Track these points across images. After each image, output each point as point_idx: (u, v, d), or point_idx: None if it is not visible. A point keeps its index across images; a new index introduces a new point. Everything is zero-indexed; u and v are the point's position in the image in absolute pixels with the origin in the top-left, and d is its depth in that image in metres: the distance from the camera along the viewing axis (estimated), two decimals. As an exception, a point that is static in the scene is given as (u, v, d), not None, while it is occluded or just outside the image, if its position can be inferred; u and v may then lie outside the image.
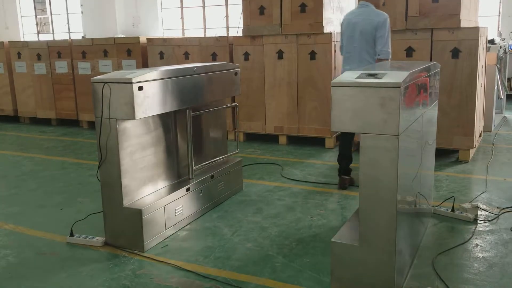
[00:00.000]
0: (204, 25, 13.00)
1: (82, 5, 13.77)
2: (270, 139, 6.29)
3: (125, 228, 3.29)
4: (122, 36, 11.13)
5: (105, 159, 3.21)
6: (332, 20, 6.10)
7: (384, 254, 2.50)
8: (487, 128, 6.50)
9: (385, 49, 4.21)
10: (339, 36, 6.03)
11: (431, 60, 5.13)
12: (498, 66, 6.99)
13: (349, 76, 2.54)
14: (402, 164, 2.48)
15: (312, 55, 5.90)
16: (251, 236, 3.46)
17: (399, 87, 2.31)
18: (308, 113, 6.00)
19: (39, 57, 8.03)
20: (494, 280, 2.77)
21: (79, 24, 14.20)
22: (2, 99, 8.59)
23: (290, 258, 3.10)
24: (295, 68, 6.02)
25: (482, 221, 3.58)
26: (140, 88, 3.05)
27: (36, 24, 15.31)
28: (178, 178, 3.87)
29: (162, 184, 3.69)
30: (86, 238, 3.40)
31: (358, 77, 2.47)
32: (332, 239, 2.67)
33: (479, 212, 3.70)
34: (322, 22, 5.81)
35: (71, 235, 3.44)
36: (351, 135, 4.42)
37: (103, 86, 3.08)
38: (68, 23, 14.75)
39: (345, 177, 4.45)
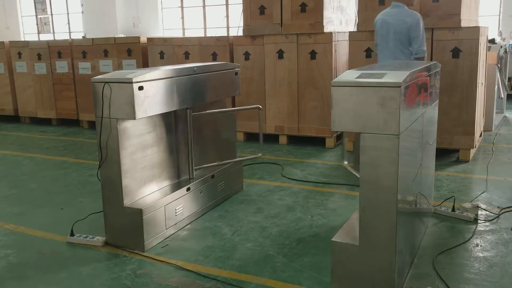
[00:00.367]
0: (205, 25, 13.01)
1: (82, 5, 13.79)
2: (270, 138, 6.29)
3: (125, 228, 3.29)
4: (123, 36, 11.14)
5: (105, 159, 3.21)
6: (333, 20, 6.10)
7: (384, 254, 2.50)
8: (487, 127, 6.50)
9: (421, 48, 4.39)
10: (341, 36, 6.06)
11: (431, 60, 5.13)
12: (499, 65, 6.99)
13: (350, 75, 2.54)
14: (403, 164, 2.48)
15: (313, 54, 5.90)
16: (252, 235, 3.46)
17: (400, 86, 2.31)
18: (309, 113, 6.00)
19: (39, 57, 8.03)
20: (494, 280, 2.77)
21: (79, 24, 14.21)
22: (3, 99, 8.59)
23: (290, 257, 3.10)
24: (295, 68, 6.02)
25: (482, 221, 3.58)
26: (141, 88, 3.05)
27: (37, 24, 15.33)
28: (178, 177, 3.87)
29: (162, 184, 3.69)
30: (86, 237, 3.40)
31: (358, 77, 2.47)
32: (332, 239, 2.67)
33: (479, 212, 3.70)
34: (322, 22, 5.81)
35: (72, 234, 3.44)
36: None
37: (104, 86, 3.08)
38: (69, 23, 14.76)
39: None
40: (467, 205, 3.68)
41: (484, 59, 5.63)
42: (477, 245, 3.22)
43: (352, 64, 5.57)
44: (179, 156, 3.87)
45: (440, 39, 5.11)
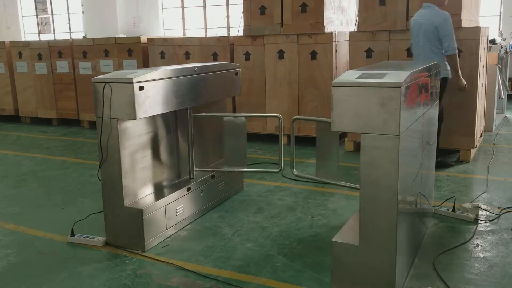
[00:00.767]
0: (205, 25, 13.01)
1: (83, 5, 13.79)
2: (270, 139, 6.29)
3: (126, 228, 3.29)
4: (123, 36, 11.15)
5: (106, 159, 3.21)
6: (333, 20, 6.10)
7: (384, 254, 2.50)
8: (488, 128, 6.50)
9: (451, 45, 4.58)
10: (340, 36, 6.07)
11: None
12: (499, 66, 6.99)
13: (350, 76, 2.54)
14: (403, 164, 2.48)
15: (313, 55, 5.90)
16: (252, 236, 3.46)
17: (400, 87, 2.31)
18: (309, 113, 6.00)
19: (40, 57, 8.04)
20: (495, 280, 2.77)
21: (80, 24, 14.22)
22: (3, 98, 8.60)
23: (290, 258, 3.11)
24: (295, 68, 6.02)
25: (483, 221, 3.58)
26: (141, 88, 3.05)
27: (37, 24, 15.33)
28: (179, 178, 3.87)
29: (163, 184, 3.69)
30: (87, 238, 3.40)
31: (358, 77, 2.47)
32: (332, 239, 2.67)
33: (480, 212, 3.70)
34: (323, 22, 5.81)
35: (72, 234, 3.44)
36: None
37: (104, 86, 3.08)
38: (69, 23, 14.77)
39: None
40: (468, 205, 3.68)
41: (484, 59, 5.63)
42: (477, 245, 3.22)
43: (353, 64, 5.58)
44: (179, 156, 3.87)
45: (441, 39, 5.10)
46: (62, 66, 7.87)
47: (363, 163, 2.47)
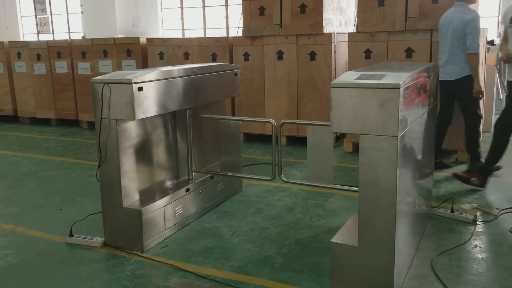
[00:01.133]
0: (204, 25, 13.01)
1: (82, 5, 13.78)
2: (270, 139, 6.26)
3: (124, 229, 3.29)
4: (122, 36, 11.13)
5: (104, 159, 3.21)
6: (332, 21, 6.11)
7: (383, 255, 2.50)
8: (486, 129, 6.50)
9: (474, 44, 4.52)
10: (339, 37, 6.07)
11: (430, 61, 5.14)
12: (498, 67, 6.99)
13: (349, 77, 2.55)
14: (402, 165, 2.48)
15: (312, 55, 5.90)
16: (251, 236, 3.46)
17: (399, 88, 2.31)
18: (308, 114, 6.01)
19: (39, 57, 8.03)
20: (493, 281, 2.77)
21: (79, 24, 14.20)
22: (2, 99, 8.59)
23: (289, 258, 3.11)
24: (295, 69, 6.03)
25: (481, 222, 3.58)
26: (140, 89, 3.05)
27: (36, 24, 15.32)
28: (178, 178, 3.87)
29: (162, 185, 3.69)
30: (85, 238, 3.40)
31: (357, 78, 2.48)
32: (331, 240, 2.67)
33: (478, 213, 3.70)
34: (322, 23, 5.81)
35: (71, 235, 3.44)
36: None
37: (103, 87, 3.08)
38: (68, 23, 14.75)
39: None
40: (466, 206, 3.69)
41: (483, 60, 5.62)
42: (476, 246, 3.22)
43: (352, 65, 5.58)
44: (178, 157, 3.87)
45: (440, 40, 5.12)
46: (61, 66, 7.87)
47: (362, 164, 2.47)
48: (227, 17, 12.50)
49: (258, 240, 3.40)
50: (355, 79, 2.46)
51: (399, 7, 5.33)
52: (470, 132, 4.79)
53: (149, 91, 3.14)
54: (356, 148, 5.71)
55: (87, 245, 3.35)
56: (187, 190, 3.72)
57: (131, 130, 3.32)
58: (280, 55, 6.09)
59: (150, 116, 3.33)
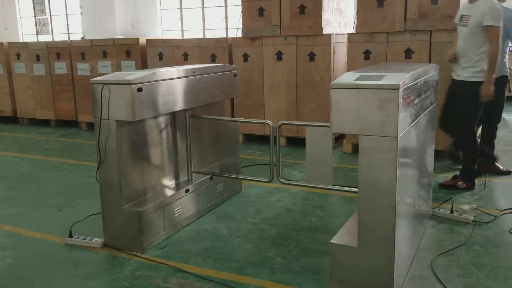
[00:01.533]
0: (204, 26, 13.02)
1: (81, 6, 13.78)
2: (269, 140, 6.27)
3: (124, 230, 3.28)
4: (121, 37, 11.14)
5: (104, 160, 3.21)
6: (331, 22, 6.11)
7: (383, 256, 2.50)
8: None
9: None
10: (338, 38, 6.07)
11: (430, 62, 5.14)
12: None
13: (348, 77, 2.55)
14: (401, 166, 2.48)
15: (311, 56, 5.91)
16: (250, 237, 3.46)
17: (398, 88, 2.32)
18: (307, 114, 6.01)
19: (38, 58, 8.03)
20: (493, 282, 2.77)
21: (78, 25, 14.20)
22: (1, 100, 8.58)
23: (289, 259, 3.10)
24: (294, 69, 6.03)
25: (481, 223, 3.58)
26: (140, 90, 3.05)
27: (36, 25, 15.32)
28: (177, 179, 3.87)
29: (161, 186, 3.68)
30: (85, 239, 3.39)
31: (357, 79, 2.48)
32: (331, 241, 2.67)
33: (478, 214, 3.70)
34: (321, 24, 5.82)
35: (70, 236, 3.44)
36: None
37: (102, 87, 3.08)
38: (68, 24, 14.76)
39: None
40: (466, 207, 3.69)
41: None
42: (475, 247, 3.22)
43: (351, 66, 5.58)
44: (177, 157, 3.87)
45: (439, 41, 5.13)
46: (60, 67, 7.86)
47: (361, 165, 2.47)
48: (226, 18, 12.51)
49: (258, 241, 3.40)
50: (354, 80, 2.46)
51: (398, 8, 5.34)
52: (489, 133, 4.87)
53: (149, 92, 3.14)
54: (355, 149, 5.71)
55: (86, 246, 3.35)
56: (187, 191, 3.71)
57: (131, 131, 3.31)
58: (279, 56, 6.09)
59: (150, 117, 3.33)
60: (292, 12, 5.95)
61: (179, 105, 3.51)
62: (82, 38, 13.02)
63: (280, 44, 6.06)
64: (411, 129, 2.66)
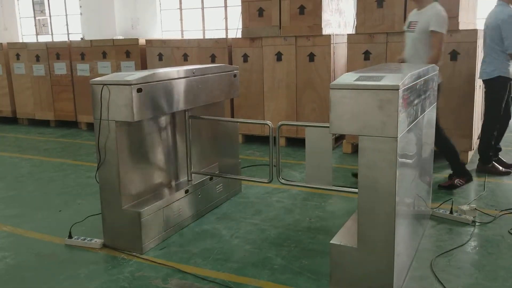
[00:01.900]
0: (203, 26, 13.01)
1: (81, 7, 13.76)
2: (269, 140, 6.27)
3: (123, 230, 3.28)
4: (121, 37, 11.13)
5: (104, 160, 3.21)
6: (331, 22, 6.11)
7: (382, 256, 2.50)
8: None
9: (511, 44, 4.45)
10: (338, 39, 6.07)
11: (429, 62, 5.14)
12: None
13: (348, 78, 2.55)
14: (401, 166, 2.48)
15: (311, 57, 5.91)
16: (250, 238, 3.46)
17: (398, 89, 2.32)
18: (307, 115, 6.01)
19: (37, 58, 8.03)
20: (493, 283, 2.77)
21: (78, 25, 14.18)
22: (1, 100, 8.58)
23: (288, 260, 3.10)
24: (294, 70, 6.03)
25: (480, 223, 3.58)
26: (139, 90, 3.05)
27: (35, 26, 15.31)
28: (177, 180, 3.87)
29: (161, 186, 3.68)
30: (84, 240, 3.39)
31: (357, 80, 2.48)
32: (330, 241, 2.67)
33: (477, 214, 3.70)
34: (321, 24, 5.82)
35: (70, 237, 3.44)
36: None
37: (102, 88, 3.08)
38: (67, 25, 14.75)
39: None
40: (465, 207, 3.69)
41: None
42: (475, 247, 3.22)
43: (351, 66, 5.59)
44: (177, 158, 3.87)
45: (438, 41, 5.12)
46: (60, 67, 7.86)
47: (361, 165, 2.47)
48: (226, 18, 12.51)
49: (257, 241, 3.40)
50: (354, 81, 2.46)
51: (398, 9, 5.34)
52: (482, 134, 4.85)
53: (148, 92, 3.14)
54: (355, 149, 5.71)
55: (86, 247, 3.35)
56: (186, 191, 3.71)
57: (130, 132, 3.31)
58: (279, 56, 6.09)
59: (149, 118, 3.33)
60: (292, 13, 5.95)
61: (179, 106, 3.51)
62: (81, 38, 13.01)
63: (279, 44, 6.06)
64: (410, 129, 2.66)
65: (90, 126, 7.63)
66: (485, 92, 4.79)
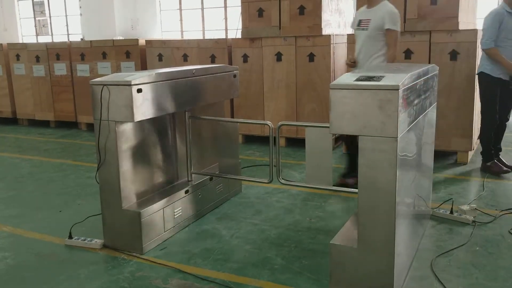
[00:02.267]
0: (203, 27, 13.02)
1: (81, 7, 13.77)
2: (269, 141, 6.27)
3: (123, 230, 3.28)
4: (121, 38, 11.14)
5: (104, 161, 3.21)
6: (331, 23, 6.11)
7: (383, 256, 2.50)
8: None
9: (483, 40, 4.62)
10: (338, 39, 6.07)
11: (429, 62, 5.14)
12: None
13: (348, 78, 2.55)
14: (401, 166, 2.48)
15: (311, 57, 5.91)
16: (250, 238, 3.46)
17: (398, 89, 2.32)
18: (307, 115, 6.01)
19: (37, 59, 8.03)
20: (493, 282, 2.77)
21: (78, 26, 14.19)
22: (1, 101, 8.58)
23: (288, 260, 3.10)
24: (293, 70, 6.03)
25: (480, 223, 3.58)
26: (139, 91, 3.05)
27: (35, 26, 15.31)
28: (177, 180, 3.87)
29: (161, 186, 3.68)
30: (84, 240, 3.39)
31: (357, 80, 2.48)
32: (331, 241, 2.67)
33: (477, 214, 3.70)
34: (320, 25, 5.82)
35: (70, 237, 3.44)
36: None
37: (102, 89, 3.08)
38: (67, 25, 14.75)
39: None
40: (465, 207, 3.69)
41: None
42: (475, 247, 3.22)
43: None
44: (177, 158, 3.87)
45: (438, 41, 5.13)
46: (60, 68, 7.86)
47: (361, 165, 2.47)
48: (226, 18, 12.51)
49: (257, 241, 3.40)
50: (354, 81, 2.46)
51: (397, 9, 5.33)
52: (481, 131, 4.89)
53: (148, 93, 3.14)
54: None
55: (86, 247, 3.35)
56: (186, 192, 3.71)
57: (130, 132, 3.32)
58: (279, 56, 6.09)
59: (149, 118, 3.33)
60: (292, 13, 5.95)
61: (179, 106, 3.51)
62: (81, 39, 13.02)
63: (279, 44, 6.06)
64: (410, 129, 2.66)
65: (90, 127, 7.63)
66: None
